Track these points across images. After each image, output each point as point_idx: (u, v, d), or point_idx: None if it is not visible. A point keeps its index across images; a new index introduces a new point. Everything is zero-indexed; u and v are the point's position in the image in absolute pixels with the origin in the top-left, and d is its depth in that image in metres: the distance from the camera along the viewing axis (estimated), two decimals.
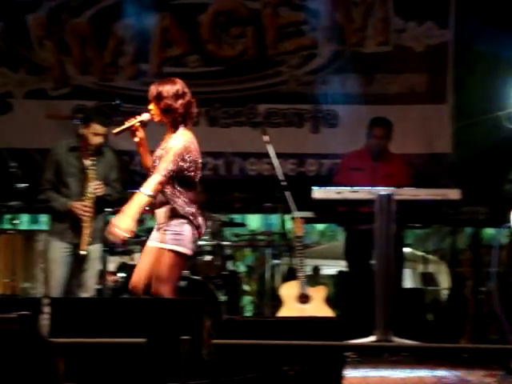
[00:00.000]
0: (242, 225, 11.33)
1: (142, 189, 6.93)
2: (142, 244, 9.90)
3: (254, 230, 11.47)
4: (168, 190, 7.05)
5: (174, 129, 7.11)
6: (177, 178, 7.04)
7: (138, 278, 7.11)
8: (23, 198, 9.12)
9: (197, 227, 7.06)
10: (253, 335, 6.20)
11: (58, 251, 8.55)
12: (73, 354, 5.94)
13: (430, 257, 11.43)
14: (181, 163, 6.96)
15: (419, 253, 11.32)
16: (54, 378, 2.87)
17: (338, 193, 8.52)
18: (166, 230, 6.98)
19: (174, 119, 7.09)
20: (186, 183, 7.11)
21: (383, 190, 8.40)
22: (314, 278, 11.71)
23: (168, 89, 7.04)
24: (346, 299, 10.12)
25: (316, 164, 11.48)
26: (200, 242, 9.69)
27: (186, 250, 6.96)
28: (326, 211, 8.82)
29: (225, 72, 11.69)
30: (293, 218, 8.98)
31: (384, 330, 7.96)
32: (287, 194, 9.05)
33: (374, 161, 9.50)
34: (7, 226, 9.47)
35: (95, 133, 8.53)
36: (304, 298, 8.56)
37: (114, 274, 9.92)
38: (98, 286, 9.54)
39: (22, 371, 2.83)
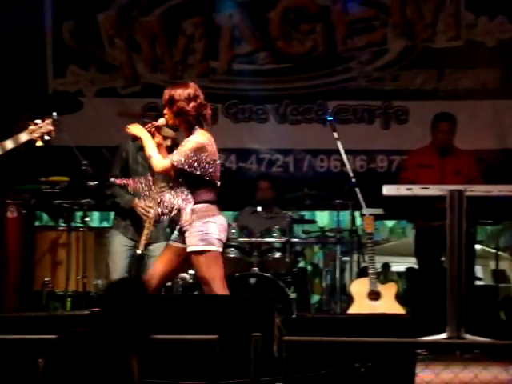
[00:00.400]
0: (312, 221, 11.31)
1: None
2: None
3: (324, 226, 11.43)
4: (189, 190, 7.11)
5: (189, 131, 7.21)
6: (195, 178, 7.12)
7: (153, 273, 7.24)
8: (94, 196, 9.16)
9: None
10: (323, 332, 6.16)
11: (120, 244, 8.58)
12: (146, 350, 5.96)
13: (502, 254, 11.30)
14: (192, 159, 7.04)
15: (491, 250, 11.20)
16: (128, 375, 2.87)
17: (409, 189, 8.44)
18: (190, 232, 7.03)
19: (186, 121, 7.19)
20: (205, 183, 7.15)
21: (454, 187, 8.31)
22: (384, 275, 11.67)
23: (180, 92, 7.14)
24: (417, 296, 10.05)
25: (386, 160, 11.44)
26: (270, 239, 9.71)
27: (215, 247, 7.03)
28: (396, 208, 8.74)
29: (294, 69, 11.67)
30: (363, 215, 8.93)
31: (456, 327, 7.87)
32: (357, 190, 9.00)
33: (442, 157, 9.41)
34: (78, 224, 9.52)
35: (165, 136, 8.52)
36: (374, 295, 8.51)
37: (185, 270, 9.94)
38: (168, 283, 9.58)
39: (98, 371, 2.84)
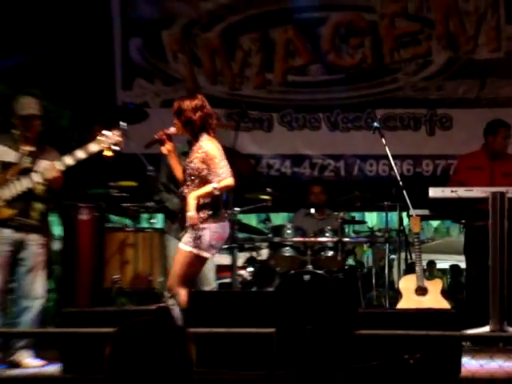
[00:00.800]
0: (362, 222, 11.25)
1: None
2: (268, 241, 9.95)
3: (373, 226, 11.39)
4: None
5: (196, 139, 7.30)
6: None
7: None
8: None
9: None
10: (374, 326, 6.11)
11: (174, 248, 8.54)
12: (206, 342, 5.93)
13: None
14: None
15: None
16: (187, 363, 2.85)
17: (453, 191, 8.38)
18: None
19: (193, 130, 7.30)
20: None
21: (496, 189, 8.22)
22: (430, 272, 11.57)
23: (187, 103, 7.27)
24: (461, 291, 9.97)
25: (432, 164, 11.40)
26: (322, 239, 9.67)
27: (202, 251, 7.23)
28: (442, 209, 8.68)
29: (345, 80, 11.66)
30: (410, 216, 8.86)
31: (499, 320, 7.78)
32: (404, 192, 8.93)
33: (492, 160, 9.31)
34: (145, 225, 9.53)
35: None
36: (421, 291, 8.42)
37: (243, 267, 9.92)
38: (227, 280, 9.57)
39: (159, 357, 2.82)
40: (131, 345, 2.85)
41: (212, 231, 7.16)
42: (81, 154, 7.64)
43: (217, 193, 7.20)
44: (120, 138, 7.72)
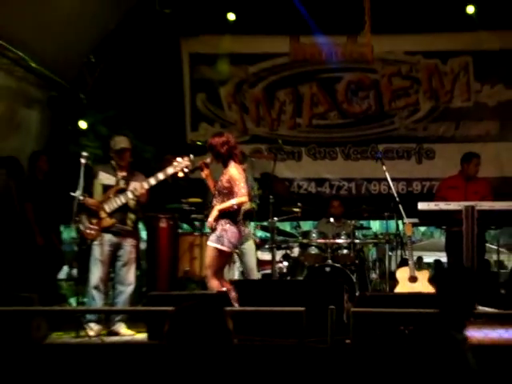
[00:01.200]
0: (368, 228, 11.18)
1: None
2: (299, 242, 9.90)
3: (376, 231, 11.31)
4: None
5: (226, 166, 7.35)
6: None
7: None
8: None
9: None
10: (378, 305, 6.07)
11: None
12: (254, 318, 5.92)
13: (501, 249, 11.03)
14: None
15: (493, 246, 10.94)
16: (226, 334, 2.86)
17: (436, 205, 8.33)
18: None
19: (222, 159, 7.36)
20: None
21: (468, 203, 8.16)
22: (418, 265, 11.46)
23: (216, 140, 7.34)
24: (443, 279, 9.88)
25: (420, 185, 11.34)
26: (339, 241, 9.62)
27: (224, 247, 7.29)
28: (427, 218, 8.64)
29: (355, 123, 11.60)
30: (404, 223, 8.81)
31: None
32: (400, 206, 8.89)
33: (466, 182, 9.27)
34: (208, 230, 9.50)
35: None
36: (413, 279, 8.35)
37: (280, 262, 9.88)
38: (268, 271, 9.54)
39: (204, 330, 2.83)
40: (183, 322, 2.86)
41: (231, 232, 7.20)
42: (161, 175, 7.69)
43: (235, 207, 7.23)
44: (189, 163, 7.74)
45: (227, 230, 7.19)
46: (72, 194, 7.50)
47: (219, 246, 7.18)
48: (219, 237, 7.21)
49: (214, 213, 7.23)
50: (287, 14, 10.96)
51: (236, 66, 11.61)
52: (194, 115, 11.64)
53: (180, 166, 7.68)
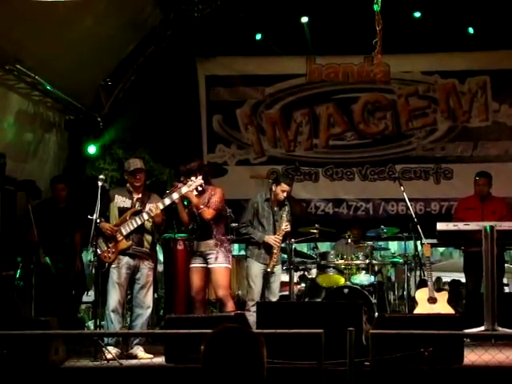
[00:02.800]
0: (386, 249, 11.15)
1: None
2: (316, 263, 9.88)
3: (395, 252, 11.28)
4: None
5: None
6: None
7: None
8: (235, 233, 9.15)
9: None
10: (397, 327, 6.05)
11: (257, 269, 8.53)
12: (271, 339, 5.92)
13: None
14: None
15: None
16: (260, 364, 2.85)
17: (455, 225, 8.32)
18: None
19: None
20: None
21: (487, 223, 8.14)
22: (437, 285, 11.40)
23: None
24: (461, 300, 9.87)
25: (438, 205, 11.33)
26: (357, 262, 9.59)
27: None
28: (446, 238, 8.60)
29: (372, 143, 11.62)
30: (422, 244, 8.80)
31: (491, 322, 7.68)
32: (418, 226, 8.87)
33: (482, 202, 9.23)
34: None
35: (282, 189, 8.51)
36: (432, 300, 8.32)
37: (298, 284, 9.86)
38: (286, 293, 9.52)
39: (240, 358, 2.82)
40: (220, 346, 2.87)
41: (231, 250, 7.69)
42: (175, 195, 7.72)
43: None
44: (201, 182, 7.79)
45: (230, 249, 7.31)
46: (89, 217, 7.54)
47: (229, 266, 7.31)
48: (227, 257, 7.32)
49: None
50: (304, 35, 11.04)
51: (252, 87, 11.66)
52: (211, 137, 11.68)
53: (194, 184, 7.73)
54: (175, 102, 11.35)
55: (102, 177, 7.79)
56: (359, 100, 11.62)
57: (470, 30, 10.96)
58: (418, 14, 11.00)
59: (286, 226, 8.48)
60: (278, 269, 8.55)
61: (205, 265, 7.92)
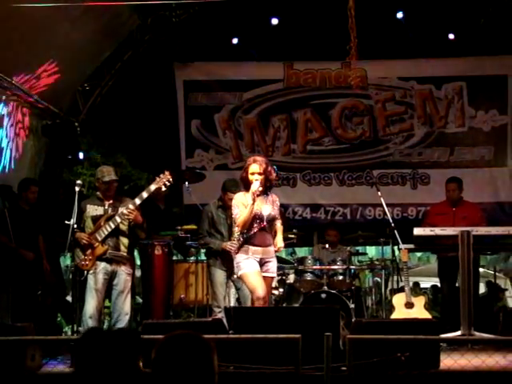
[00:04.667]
0: (364, 254, 11.19)
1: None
2: (294, 268, 9.88)
3: (372, 257, 11.33)
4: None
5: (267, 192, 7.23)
6: None
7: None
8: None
9: None
10: (374, 332, 6.06)
11: (219, 275, 8.55)
12: (250, 345, 5.91)
13: (498, 274, 11.05)
14: None
15: (490, 271, 10.98)
16: (210, 372, 2.86)
17: (432, 231, 8.34)
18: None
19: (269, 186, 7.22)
20: None
21: (464, 228, 8.17)
22: (415, 290, 11.46)
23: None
24: (438, 305, 9.90)
25: (415, 210, 11.36)
26: (335, 267, 9.61)
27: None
28: (423, 243, 8.63)
29: (349, 149, 11.64)
30: (399, 249, 8.83)
31: (467, 326, 7.71)
32: (395, 231, 8.91)
33: (453, 207, 9.28)
34: (203, 258, 9.52)
35: (229, 198, 8.43)
36: (409, 305, 8.36)
37: (276, 288, 9.87)
38: None
39: (190, 364, 2.83)
40: (170, 352, 2.87)
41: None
42: (145, 194, 7.73)
43: None
44: (170, 177, 7.77)
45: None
46: (66, 222, 7.52)
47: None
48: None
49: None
50: (281, 41, 11.08)
51: (230, 92, 11.67)
52: (189, 142, 11.67)
53: (162, 181, 7.72)
54: (153, 107, 11.35)
55: (79, 182, 7.79)
56: (337, 105, 11.65)
57: (451, 36, 11.03)
58: (395, 19, 11.03)
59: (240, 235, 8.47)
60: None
61: None
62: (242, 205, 7.01)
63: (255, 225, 7.02)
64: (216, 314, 8.28)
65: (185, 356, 2.84)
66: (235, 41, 11.29)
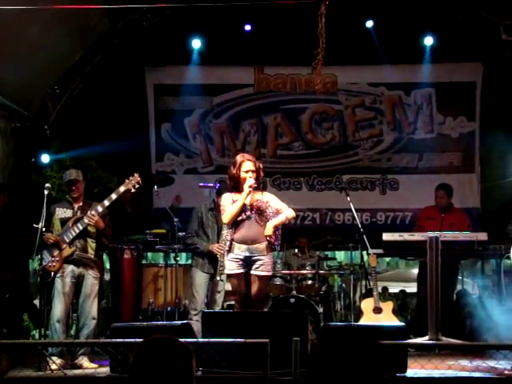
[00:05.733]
0: (333, 259, 11.21)
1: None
2: None
3: (341, 262, 11.34)
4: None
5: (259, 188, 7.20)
6: None
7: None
8: (182, 242, 9.12)
9: None
10: (342, 338, 6.06)
11: (200, 278, 8.56)
12: (217, 349, 5.90)
13: (465, 279, 11.11)
14: None
15: (458, 276, 11.03)
16: (189, 376, 2.86)
17: (400, 236, 8.37)
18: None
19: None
20: None
21: (432, 233, 8.21)
22: (383, 295, 11.49)
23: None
24: (407, 310, 9.94)
25: (384, 216, 11.42)
26: (304, 271, 9.63)
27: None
28: (392, 248, 8.66)
29: (319, 153, 11.69)
30: (368, 254, 8.85)
31: (435, 332, 7.75)
32: (364, 236, 8.93)
33: (442, 213, 9.32)
34: (172, 262, 9.49)
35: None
36: (378, 310, 8.38)
37: None
38: (233, 302, 9.51)
39: (168, 369, 2.82)
40: (148, 356, 2.85)
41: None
42: (113, 195, 7.69)
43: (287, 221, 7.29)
44: (139, 179, 7.76)
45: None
46: (35, 225, 7.46)
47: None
48: (272, 263, 7.17)
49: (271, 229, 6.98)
50: (252, 45, 11.09)
51: (201, 96, 11.66)
52: (159, 145, 11.66)
53: (131, 183, 7.71)
54: (124, 110, 11.30)
55: (48, 185, 7.71)
56: (307, 110, 11.69)
57: (426, 42, 11.09)
58: (365, 26, 11.08)
59: (226, 235, 8.47)
60: (223, 277, 8.56)
61: None
62: (229, 203, 6.99)
63: (239, 217, 6.97)
64: (191, 317, 8.28)
65: (163, 360, 2.83)
66: (199, 44, 11.27)
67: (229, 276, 7.25)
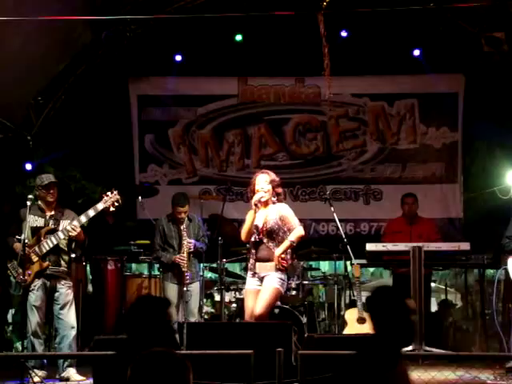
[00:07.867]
0: (317, 269, 11.20)
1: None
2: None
3: (325, 272, 11.33)
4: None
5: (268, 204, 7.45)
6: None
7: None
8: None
9: None
10: (326, 347, 6.06)
11: (171, 290, 8.54)
12: (201, 360, 5.87)
13: (449, 289, 11.12)
14: None
15: (441, 286, 11.05)
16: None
17: (384, 246, 8.41)
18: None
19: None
20: None
21: (416, 244, 8.25)
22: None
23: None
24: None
25: (367, 226, 11.42)
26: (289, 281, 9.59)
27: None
28: (375, 259, 8.69)
29: (303, 164, 11.67)
30: (352, 264, 8.85)
31: (418, 341, 7.75)
32: (348, 247, 8.92)
33: (410, 225, 9.35)
34: (156, 273, 9.45)
35: (177, 212, 8.51)
36: (362, 320, 8.38)
37: (229, 303, 9.82)
38: (213, 311, 9.47)
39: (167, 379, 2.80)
40: (145, 370, 2.83)
41: None
42: (91, 212, 7.62)
43: (294, 244, 7.32)
44: (118, 197, 7.69)
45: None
46: (17, 237, 7.41)
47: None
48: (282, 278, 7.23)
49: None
50: (235, 56, 11.09)
51: (184, 107, 11.64)
52: (143, 156, 11.61)
53: (110, 200, 7.64)
54: (107, 121, 11.27)
55: (30, 196, 7.65)
56: (290, 121, 11.68)
57: (409, 53, 11.10)
58: (348, 36, 11.09)
59: (188, 243, 8.47)
60: (193, 287, 8.53)
61: None
62: (247, 220, 7.26)
63: (252, 238, 7.23)
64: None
65: (160, 374, 2.81)
66: (179, 57, 11.24)
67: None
